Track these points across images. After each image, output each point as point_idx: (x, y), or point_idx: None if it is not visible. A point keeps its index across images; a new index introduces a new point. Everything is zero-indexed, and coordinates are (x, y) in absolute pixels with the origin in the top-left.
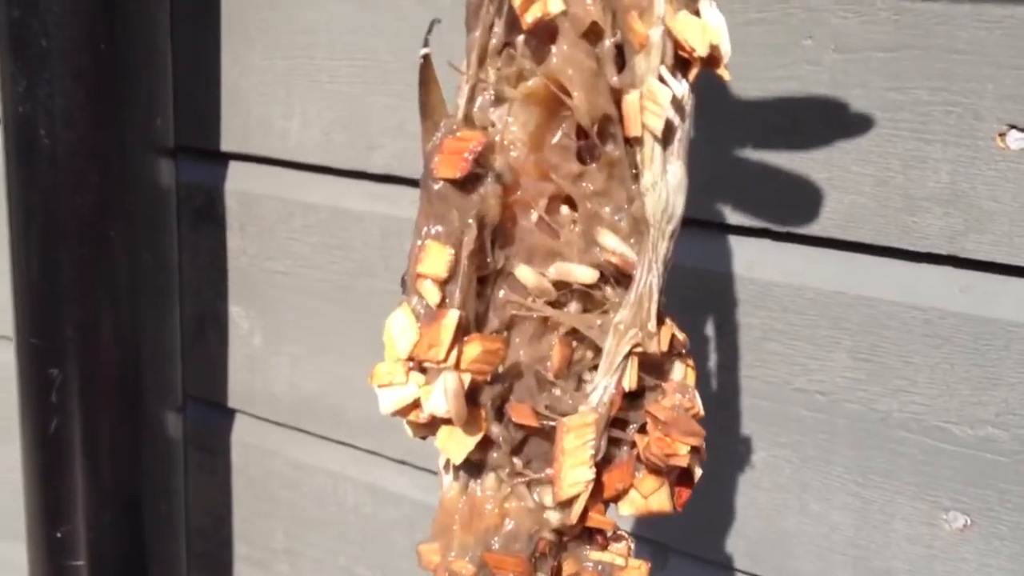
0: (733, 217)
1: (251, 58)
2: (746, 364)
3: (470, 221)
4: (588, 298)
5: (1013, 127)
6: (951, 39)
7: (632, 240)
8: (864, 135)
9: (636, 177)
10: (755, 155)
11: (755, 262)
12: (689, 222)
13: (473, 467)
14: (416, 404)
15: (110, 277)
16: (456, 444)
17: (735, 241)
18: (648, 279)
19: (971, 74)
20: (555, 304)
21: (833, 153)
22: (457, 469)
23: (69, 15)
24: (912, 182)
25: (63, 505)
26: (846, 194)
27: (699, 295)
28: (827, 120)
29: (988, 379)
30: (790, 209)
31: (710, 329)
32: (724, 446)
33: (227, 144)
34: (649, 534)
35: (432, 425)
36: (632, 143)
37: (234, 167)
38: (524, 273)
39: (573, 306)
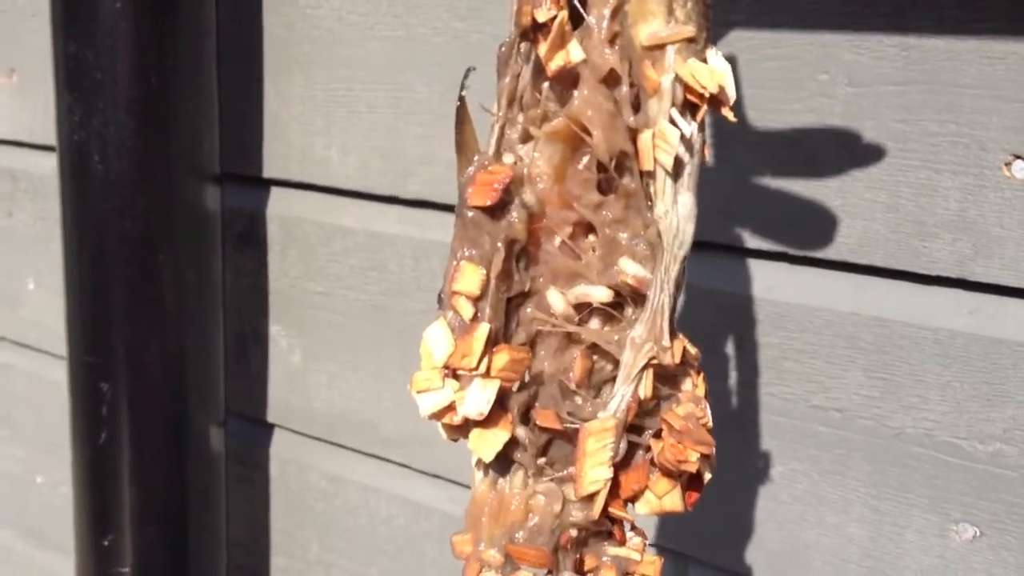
0: (752, 241)
1: (292, 90)
2: (765, 382)
3: (499, 245)
4: (607, 315)
5: (1018, 157)
6: (957, 74)
7: (646, 263)
8: (876, 164)
9: (651, 207)
10: (773, 182)
11: (773, 284)
12: (710, 246)
13: (502, 465)
14: (451, 408)
15: (158, 297)
16: (486, 444)
17: (754, 264)
18: (661, 298)
19: (977, 107)
20: (577, 321)
21: (847, 181)
22: (487, 466)
23: (122, 50)
24: (922, 209)
25: (111, 515)
26: (859, 220)
27: (720, 315)
28: (841, 150)
29: (997, 396)
30: (806, 234)
31: (730, 348)
32: (744, 460)
33: (269, 171)
34: (670, 544)
35: (464, 427)
36: (646, 176)
37: (276, 192)
38: (554, 298)
39: (594, 322)
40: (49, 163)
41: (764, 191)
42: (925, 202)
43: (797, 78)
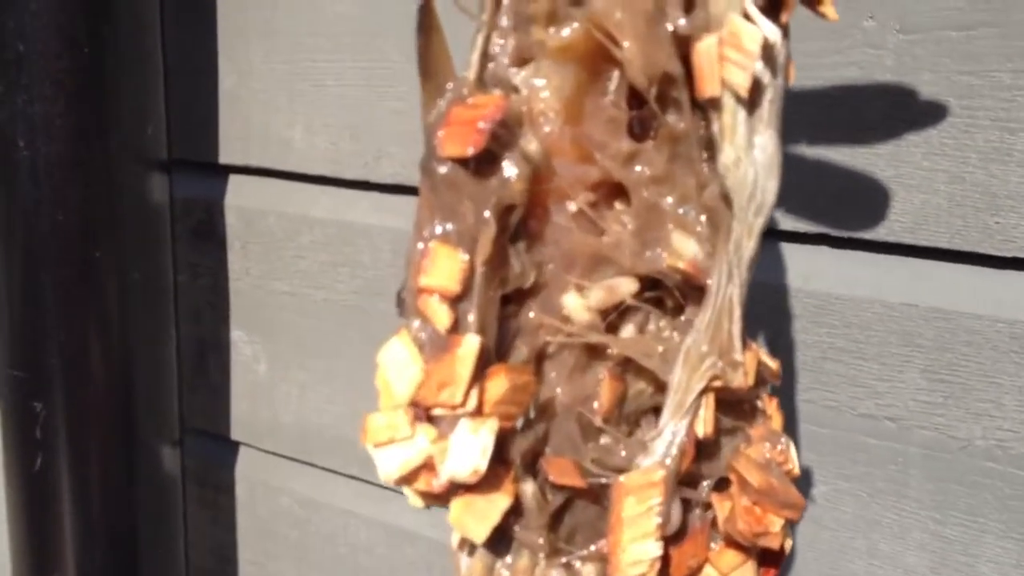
0: (787, 222)
1: (250, 62)
2: (803, 387)
3: (487, 215)
4: (647, 318)
5: None
6: None
7: (704, 240)
8: (936, 126)
9: (709, 157)
10: (811, 152)
11: (812, 272)
12: None
13: (499, 543)
14: (427, 467)
15: (97, 301)
16: (476, 518)
17: (789, 249)
18: (728, 290)
19: None
20: (604, 327)
21: (901, 147)
22: (479, 548)
23: (47, 15)
24: (994, 178)
25: (51, 549)
26: (917, 193)
27: (750, 309)
28: (893, 110)
29: None
30: (852, 212)
31: (762, 348)
32: None
33: (226, 156)
34: None
35: (447, 494)
36: (706, 108)
37: (234, 181)
38: (569, 295)
39: (627, 329)
40: None
41: (800, 162)
42: (997, 169)
43: (837, 25)
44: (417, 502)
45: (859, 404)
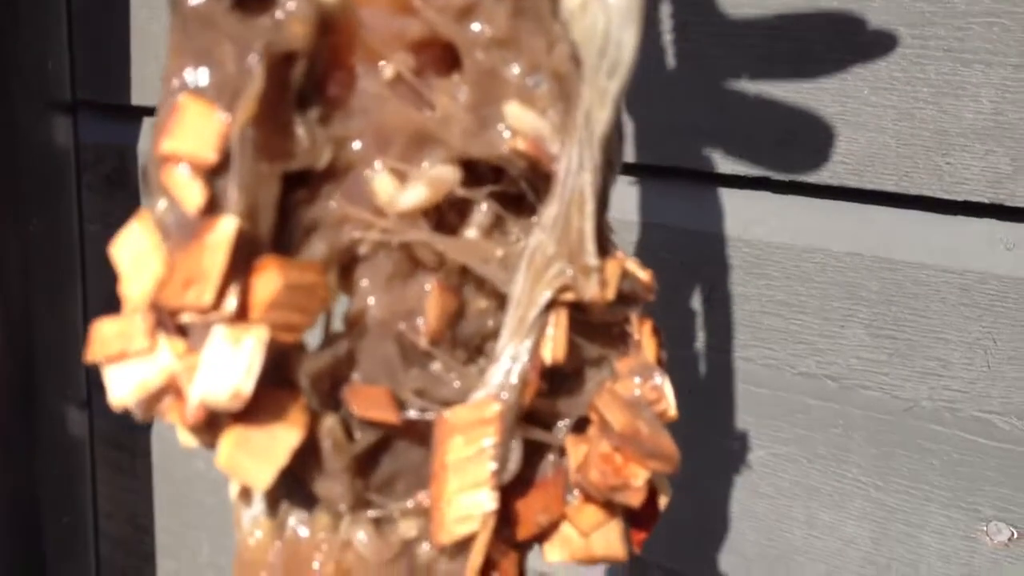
0: (724, 165)
1: None
2: (740, 343)
3: (253, 61)
4: (490, 216)
5: None
6: None
7: (553, 113)
8: (885, 57)
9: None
10: (751, 88)
11: (751, 219)
12: (671, 172)
13: (292, 491)
14: (171, 387)
15: None
16: (256, 458)
17: (727, 194)
18: (581, 177)
19: None
20: (432, 225)
21: (847, 82)
22: (265, 499)
23: None
24: (945, 114)
25: None
26: (863, 132)
27: (683, 259)
28: (839, 41)
29: None
30: (794, 153)
31: (696, 302)
32: (714, 443)
33: (139, 98)
34: None
35: (213, 426)
36: None
37: (148, 124)
38: (382, 179)
39: (470, 231)
40: None
41: (739, 98)
42: (949, 105)
43: None
44: (187, 439)
45: (799, 362)
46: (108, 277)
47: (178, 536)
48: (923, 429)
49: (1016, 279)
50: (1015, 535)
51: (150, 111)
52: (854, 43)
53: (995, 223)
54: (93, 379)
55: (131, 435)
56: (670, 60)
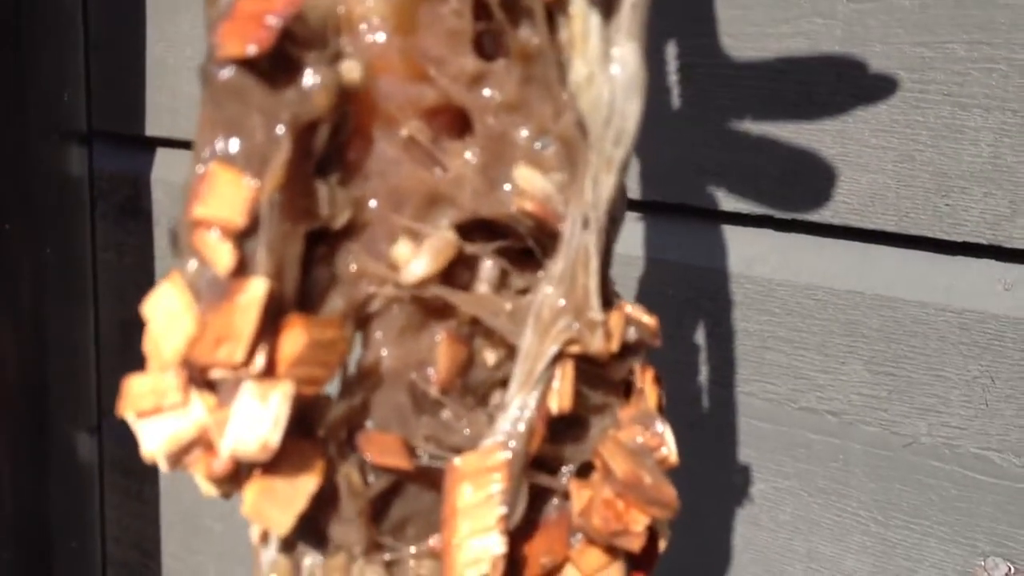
0: (728, 203)
1: (179, 27)
2: (743, 378)
3: (280, 131)
4: (504, 274)
5: None
6: None
7: (560, 176)
8: (886, 101)
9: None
10: (755, 128)
11: (754, 257)
12: (675, 209)
13: (308, 535)
14: (202, 440)
15: (7, 278)
16: (278, 506)
17: (730, 232)
18: (584, 237)
19: (1017, 23)
20: (441, 280)
21: (848, 124)
22: (282, 542)
23: None
24: (945, 156)
25: None
26: (865, 173)
27: (686, 296)
28: (841, 84)
29: None
30: (796, 193)
31: (700, 337)
32: (715, 477)
33: (153, 128)
34: None
35: (237, 477)
36: (557, 11)
37: (162, 154)
38: (402, 251)
39: (481, 286)
40: None
41: (743, 139)
42: (949, 148)
43: None
44: (208, 488)
45: (800, 397)
46: (120, 305)
47: (185, 562)
48: (922, 465)
49: (1014, 319)
50: (1012, 570)
51: (164, 142)
52: (855, 86)
53: (994, 264)
54: (103, 405)
55: (140, 461)
56: (675, 101)
